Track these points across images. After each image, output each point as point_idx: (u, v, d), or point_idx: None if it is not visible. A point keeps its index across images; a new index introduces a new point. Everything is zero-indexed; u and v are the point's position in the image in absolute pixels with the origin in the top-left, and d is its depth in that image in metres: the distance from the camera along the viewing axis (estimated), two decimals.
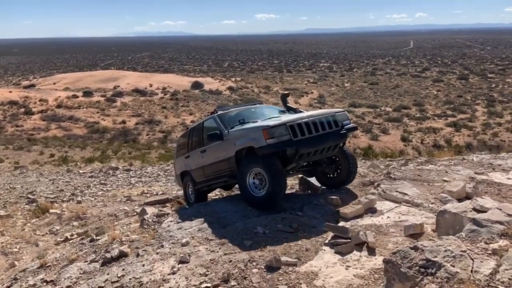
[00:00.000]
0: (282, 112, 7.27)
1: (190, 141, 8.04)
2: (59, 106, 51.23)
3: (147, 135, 40.33)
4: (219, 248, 4.67)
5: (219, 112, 7.24)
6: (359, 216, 5.16)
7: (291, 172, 6.44)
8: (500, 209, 3.81)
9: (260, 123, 6.15)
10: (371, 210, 5.35)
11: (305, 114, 6.21)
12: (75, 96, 57.83)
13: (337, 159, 6.65)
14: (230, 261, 4.28)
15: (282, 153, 5.74)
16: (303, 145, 5.67)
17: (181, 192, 9.62)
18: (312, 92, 61.66)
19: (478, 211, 4.00)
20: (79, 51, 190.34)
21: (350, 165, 6.58)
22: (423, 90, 61.65)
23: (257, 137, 5.66)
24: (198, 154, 7.48)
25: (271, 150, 5.62)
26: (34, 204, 9.91)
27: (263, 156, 5.69)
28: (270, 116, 6.89)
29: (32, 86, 71.56)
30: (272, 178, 5.59)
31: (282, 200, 5.97)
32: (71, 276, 4.76)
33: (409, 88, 63.66)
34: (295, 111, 7.31)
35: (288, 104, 7.59)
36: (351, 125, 6.37)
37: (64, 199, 10.70)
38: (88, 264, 5.00)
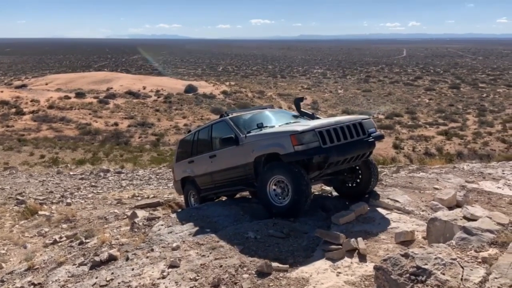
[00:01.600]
0: (296, 117, 6.97)
1: (194, 145, 7.57)
2: (50, 107, 50.74)
3: (139, 137, 40.08)
4: (210, 253, 4.64)
5: (231, 115, 6.83)
6: (351, 222, 5.17)
7: (312, 180, 5.91)
8: (490, 218, 3.84)
9: (285, 127, 5.80)
10: (362, 216, 5.36)
11: (330, 120, 5.80)
12: (67, 97, 57.33)
13: (358, 168, 6.24)
14: (221, 266, 4.25)
15: (307, 160, 5.42)
16: (333, 153, 5.29)
17: (172, 196, 9.56)
18: (305, 98, 61.83)
19: (469, 219, 4.03)
20: (72, 52, 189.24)
21: (371, 175, 6.17)
22: (415, 98, 62.23)
23: (283, 143, 5.31)
24: (205, 159, 7.02)
25: (299, 158, 5.29)
26: (23, 205, 9.78)
27: (287, 164, 5.37)
28: (288, 121, 6.60)
29: (24, 86, 70.86)
30: (297, 187, 5.27)
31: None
32: (59, 279, 4.69)
33: (401, 96, 64.21)
34: (311, 116, 6.96)
35: (302, 109, 7.20)
36: (378, 133, 5.98)
37: (54, 201, 10.58)
38: (76, 267, 4.94)
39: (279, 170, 5.46)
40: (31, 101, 53.17)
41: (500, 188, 6.38)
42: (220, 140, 6.28)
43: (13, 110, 48.59)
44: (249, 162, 5.93)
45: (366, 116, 6.04)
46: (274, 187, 5.61)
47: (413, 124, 42.62)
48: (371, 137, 5.73)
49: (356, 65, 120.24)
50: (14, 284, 4.88)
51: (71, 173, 15.40)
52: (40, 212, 8.99)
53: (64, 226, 8.05)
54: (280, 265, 4.11)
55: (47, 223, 8.33)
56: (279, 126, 6.20)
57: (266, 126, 6.19)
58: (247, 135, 6.02)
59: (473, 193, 6.04)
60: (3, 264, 6.15)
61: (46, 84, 73.49)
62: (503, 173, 7.51)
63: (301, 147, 5.16)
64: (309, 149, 5.19)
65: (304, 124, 5.60)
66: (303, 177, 5.31)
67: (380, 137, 5.97)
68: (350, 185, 6.44)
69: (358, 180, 6.33)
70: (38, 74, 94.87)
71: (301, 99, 7.46)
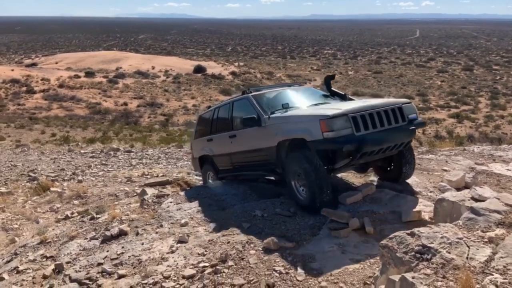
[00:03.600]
0: (326, 97, 6.31)
1: (214, 122, 7.04)
2: (61, 86, 51.09)
3: (148, 117, 40.31)
4: (218, 229, 4.71)
5: (254, 93, 6.22)
6: (358, 202, 5.18)
7: (341, 168, 5.30)
8: (498, 199, 3.83)
9: (314, 110, 5.22)
10: (369, 197, 5.37)
11: (366, 103, 5.11)
12: (77, 76, 57.61)
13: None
14: (228, 242, 4.33)
15: (337, 148, 4.83)
16: (367, 142, 4.67)
17: (181, 175, 9.65)
18: (315, 80, 61.28)
19: (476, 200, 4.01)
20: (81, 31, 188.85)
21: (402, 165, 5.52)
22: (427, 80, 61.30)
23: (311, 128, 4.67)
24: (225, 139, 6.50)
25: (328, 146, 4.77)
26: (35, 182, 9.96)
27: (301, 153, 4.92)
28: (316, 101, 5.95)
29: (34, 65, 71.21)
30: (311, 180, 4.76)
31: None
32: (71, 253, 4.82)
33: (413, 78, 63.26)
34: (342, 97, 6.27)
35: (332, 88, 6.48)
36: (420, 119, 5.27)
37: (65, 178, 10.75)
38: (88, 241, 5.06)
39: (294, 159, 5.01)
40: (41, 79, 53.58)
41: (510, 170, 6.33)
42: (241, 119, 5.80)
43: (24, 88, 49.05)
44: (272, 147, 5.41)
45: (407, 100, 5.36)
46: (298, 177, 5.08)
47: (424, 106, 42.11)
48: (411, 125, 5.08)
49: (368, 46, 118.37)
50: (27, 257, 5.03)
51: (82, 151, 15.59)
52: (52, 189, 9.15)
53: (76, 202, 8.20)
54: (287, 242, 4.17)
55: (59, 199, 8.49)
56: (307, 107, 5.66)
57: (292, 107, 5.62)
58: (271, 116, 5.47)
59: (482, 175, 6.00)
60: (16, 238, 6.32)
61: (56, 63, 73.84)
62: None
63: (332, 134, 4.54)
64: (340, 137, 4.57)
65: (335, 107, 4.93)
66: (318, 169, 4.78)
67: (422, 124, 5.36)
68: (388, 169, 5.81)
69: (390, 167, 5.77)
70: (48, 52, 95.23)
71: (332, 76, 6.72)
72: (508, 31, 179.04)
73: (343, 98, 6.24)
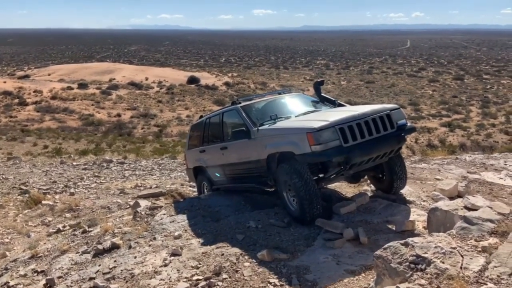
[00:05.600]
0: (316, 103, 6.26)
1: (206, 133, 7.02)
2: (53, 98, 50.85)
3: (142, 128, 40.17)
4: (212, 242, 4.68)
5: (243, 104, 6.11)
6: (352, 212, 5.19)
7: (332, 177, 5.24)
8: (491, 208, 3.85)
9: (302, 121, 5.09)
10: (363, 206, 5.37)
11: (353, 111, 4.99)
12: (70, 88, 57.40)
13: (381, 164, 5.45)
14: (222, 254, 4.29)
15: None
16: (356, 153, 4.60)
17: (174, 186, 9.60)
18: (308, 89, 61.63)
19: (469, 209, 4.03)
20: (74, 42, 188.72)
21: (393, 176, 5.43)
22: (418, 89, 61.92)
23: (299, 141, 4.62)
24: (217, 151, 6.48)
25: (316, 160, 4.69)
26: (27, 195, 9.83)
27: (289, 165, 4.85)
28: (306, 110, 5.88)
29: (26, 76, 70.85)
30: (299, 192, 4.73)
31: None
32: (63, 267, 4.75)
33: (404, 88, 63.88)
34: (333, 102, 6.16)
35: (322, 94, 6.42)
36: (409, 125, 5.20)
37: (57, 190, 10.63)
38: (79, 255, 5.00)
39: (284, 171, 4.95)
40: (34, 91, 53.29)
41: (502, 178, 6.38)
42: (231, 132, 5.76)
43: (16, 100, 48.75)
44: (262, 159, 5.35)
45: (395, 106, 5.25)
46: (289, 188, 5.05)
47: (416, 115, 42.47)
48: (400, 131, 5.00)
49: (360, 56, 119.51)
50: (18, 272, 4.94)
51: (74, 163, 15.46)
52: (43, 202, 9.04)
53: (68, 215, 8.10)
54: (281, 254, 4.15)
55: (50, 213, 8.39)
56: (296, 117, 5.59)
57: (281, 117, 5.55)
58: (260, 128, 5.39)
59: (474, 184, 6.04)
60: (7, 253, 6.21)
61: (49, 74, 73.51)
62: (505, 164, 7.50)
63: (319, 147, 4.48)
64: (328, 149, 4.51)
65: (322, 119, 4.82)
66: (307, 182, 4.72)
67: (411, 130, 5.24)
68: (382, 178, 5.70)
69: (383, 177, 5.67)
70: (41, 64, 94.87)
71: (322, 82, 6.62)
72: (497, 40, 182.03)
73: (333, 103, 6.17)
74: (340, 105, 6.11)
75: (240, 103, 6.16)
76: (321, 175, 5.10)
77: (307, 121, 5.00)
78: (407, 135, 5.21)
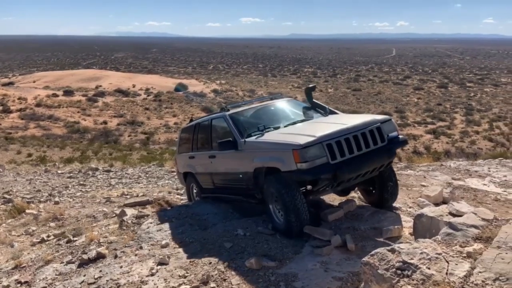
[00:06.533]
0: (307, 109, 6.10)
1: (195, 139, 6.86)
2: (38, 105, 50.12)
3: (129, 136, 39.81)
4: (199, 250, 4.64)
5: (231, 111, 5.92)
6: (339, 219, 5.21)
7: (319, 192, 5.16)
8: (475, 214, 3.91)
9: (287, 136, 4.82)
10: (351, 213, 5.41)
11: (342, 124, 4.76)
12: (55, 95, 56.68)
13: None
14: (210, 263, 4.26)
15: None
16: (344, 169, 4.42)
17: (161, 194, 9.52)
18: (296, 97, 62.01)
19: (454, 215, 4.09)
20: (60, 49, 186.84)
21: (384, 190, 5.27)
22: (404, 97, 62.84)
23: (284, 157, 4.45)
24: (205, 158, 6.35)
25: (302, 178, 4.51)
26: (10, 204, 9.63)
27: (277, 178, 4.70)
28: (296, 119, 5.72)
29: (11, 84, 69.75)
30: (286, 205, 4.60)
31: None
32: (47, 277, 4.65)
33: (390, 95, 64.78)
34: (323, 109, 5.98)
35: (314, 100, 6.27)
36: (400, 137, 4.99)
37: (41, 199, 10.43)
38: (64, 265, 4.90)
39: (271, 183, 4.80)
40: (18, 99, 52.46)
41: (485, 185, 6.49)
42: (218, 144, 5.45)
43: (0, 108, 47.86)
44: (249, 172, 5.19)
45: (386, 117, 5.02)
46: (275, 201, 4.93)
47: (402, 123, 43.02)
48: (391, 145, 4.82)
49: (346, 64, 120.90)
50: (0, 283, 4.82)
51: (59, 171, 15.22)
52: (27, 211, 8.85)
53: (52, 224, 7.95)
54: (269, 261, 4.14)
55: (34, 222, 8.22)
56: (284, 127, 5.39)
57: (270, 128, 5.34)
58: (247, 140, 5.20)
59: (459, 190, 6.14)
60: None
61: (34, 82, 72.55)
62: (489, 171, 7.63)
63: (305, 165, 4.31)
64: (314, 167, 4.33)
65: (309, 133, 4.59)
66: (294, 196, 4.58)
67: (402, 143, 5.02)
68: (373, 191, 5.56)
69: (373, 190, 5.53)
70: (26, 71, 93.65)
71: (313, 88, 6.47)
72: (480, 49, 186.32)
73: (324, 110, 5.97)
74: (332, 112, 5.94)
75: (228, 110, 5.99)
76: (309, 187, 4.93)
77: (293, 136, 4.75)
78: (398, 148, 5.04)
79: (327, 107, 6.06)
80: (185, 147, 7.38)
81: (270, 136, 5.04)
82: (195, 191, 7.39)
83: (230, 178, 5.86)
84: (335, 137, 4.48)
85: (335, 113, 5.92)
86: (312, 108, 6.15)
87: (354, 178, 4.73)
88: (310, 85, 6.59)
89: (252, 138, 5.18)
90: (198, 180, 7.00)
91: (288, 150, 4.42)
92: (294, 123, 5.57)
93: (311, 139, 4.41)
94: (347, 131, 4.57)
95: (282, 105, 6.32)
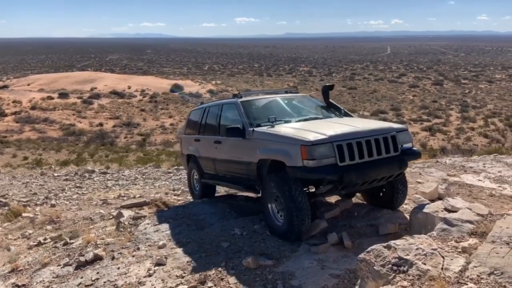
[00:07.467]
0: (322, 108, 5.95)
1: (202, 122, 6.73)
2: (33, 108, 49.84)
3: (125, 137, 39.67)
4: (196, 250, 4.65)
5: (244, 99, 5.81)
6: (336, 217, 5.23)
7: (323, 194, 4.99)
8: (470, 209, 3.94)
9: (297, 131, 4.66)
10: (347, 211, 5.43)
11: (356, 127, 4.61)
12: (50, 98, 56.40)
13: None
14: (207, 262, 4.27)
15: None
16: (351, 174, 4.25)
17: (158, 195, 9.51)
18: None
19: (450, 211, 4.12)
20: (55, 51, 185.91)
21: (394, 194, 5.12)
22: (399, 95, 63.04)
23: (291, 152, 4.32)
24: (211, 143, 6.23)
25: (306, 176, 4.33)
26: (6, 207, 9.59)
27: (281, 175, 4.54)
28: (308, 116, 5.56)
29: (5, 87, 69.33)
30: (289, 206, 4.41)
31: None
32: (44, 280, 4.64)
33: (386, 93, 64.96)
34: (338, 109, 5.85)
35: (330, 100, 6.07)
36: (414, 149, 4.84)
37: (38, 202, 10.39)
38: (61, 267, 4.89)
39: (274, 181, 4.63)
40: (13, 102, 52.18)
41: (481, 181, 6.53)
42: (226, 130, 5.31)
43: None
44: (253, 162, 5.07)
45: (402, 127, 4.87)
46: (275, 200, 4.75)
47: (398, 120, 43.12)
48: (404, 155, 4.63)
49: (342, 62, 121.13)
50: None
51: (55, 174, 15.16)
52: (23, 214, 8.82)
53: (49, 227, 7.92)
54: (266, 260, 4.15)
55: (31, 225, 8.19)
56: (295, 122, 5.23)
57: (281, 121, 5.19)
58: (255, 129, 5.08)
59: (454, 186, 6.17)
60: None
61: (28, 84, 72.16)
62: (484, 167, 7.68)
63: (312, 163, 4.16)
64: (321, 167, 4.19)
65: (320, 131, 4.44)
66: (298, 194, 4.41)
67: (415, 156, 4.85)
68: (379, 194, 5.40)
69: (381, 194, 5.37)
70: (20, 74, 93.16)
71: (331, 87, 6.17)
72: (475, 46, 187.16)
73: (339, 111, 5.82)
74: (346, 114, 5.78)
75: (241, 97, 5.91)
76: (311, 189, 4.82)
77: (303, 131, 4.58)
78: (411, 160, 4.86)
79: (342, 108, 5.93)
80: (192, 129, 7.26)
81: (280, 129, 4.89)
82: (196, 178, 7.29)
83: (232, 166, 5.76)
84: (347, 139, 4.33)
85: (350, 116, 5.78)
86: (327, 107, 6.02)
87: (360, 184, 4.58)
88: (328, 84, 6.30)
89: (261, 129, 5.06)
90: (200, 164, 6.88)
91: (296, 145, 4.30)
92: (306, 119, 5.42)
93: (322, 137, 4.30)
94: (359, 135, 4.43)
95: (296, 100, 6.18)
